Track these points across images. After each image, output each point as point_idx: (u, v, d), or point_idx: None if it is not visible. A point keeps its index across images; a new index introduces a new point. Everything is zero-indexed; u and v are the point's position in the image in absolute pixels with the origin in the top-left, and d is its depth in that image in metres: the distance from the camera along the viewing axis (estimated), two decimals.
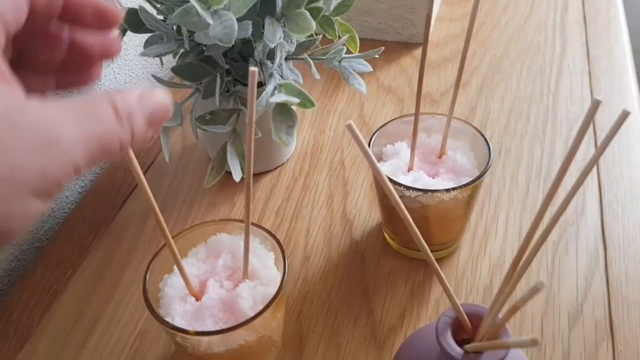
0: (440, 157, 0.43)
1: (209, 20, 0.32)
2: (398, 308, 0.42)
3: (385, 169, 0.42)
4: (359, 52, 0.47)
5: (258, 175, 0.53)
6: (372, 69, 0.46)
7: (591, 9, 0.72)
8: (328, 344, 0.40)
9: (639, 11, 1.11)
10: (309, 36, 0.43)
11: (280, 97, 0.38)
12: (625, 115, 0.25)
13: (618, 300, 0.41)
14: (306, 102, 0.39)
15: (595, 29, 0.68)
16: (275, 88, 0.39)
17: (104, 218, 0.51)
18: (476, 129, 0.42)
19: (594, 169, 0.51)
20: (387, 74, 0.64)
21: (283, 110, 0.38)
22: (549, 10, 0.72)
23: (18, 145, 0.17)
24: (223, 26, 0.33)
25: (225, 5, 0.35)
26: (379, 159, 0.44)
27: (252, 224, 0.37)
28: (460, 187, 0.39)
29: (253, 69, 0.24)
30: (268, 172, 0.54)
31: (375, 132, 0.43)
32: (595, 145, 0.53)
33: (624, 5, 0.73)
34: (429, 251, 0.29)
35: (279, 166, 0.54)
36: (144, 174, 0.52)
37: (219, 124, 0.42)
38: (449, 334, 0.29)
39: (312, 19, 0.38)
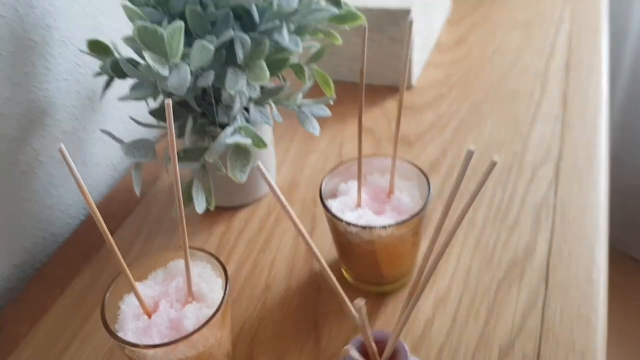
0: (388, 196, 0.47)
1: (164, 73, 0.37)
2: (343, 337, 0.45)
3: (334, 205, 0.45)
4: (333, 95, 0.52)
5: (236, 208, 0.58)
6: (330, 114, 0.51)
7: (575, 56, 0.74)
8: None
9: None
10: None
11: (234, 138, 0.42)
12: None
13: (549, 337, 0.43)
14: (259, 143, 0.43)
15: (576, 76, 0.71)
16: (235, 130, 0.44)
17: (95, 244, 0.56)
18: (420, 169, 0.46)
19: (551, 210, 0.53)
20: (370, 115, 0.69)
21: (239, 150, 0.43)
22: (534, 57, 0.75)
23: None
24: (178, 77, 0.38)
25: (186, 59, 0.40)
26: (333, 196, 0.47)
27: (204, 250, 0.41)
28: (395, 224, 0.42)
29: (167, 101, 0.29)
30: (246, 205, 0.58)
31: (328, 173, 0.47)
32: (555, 191, 0.56)
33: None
34: (317, 252, 0.33)
35: (255, 200, 0.59)
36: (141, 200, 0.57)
37: (191, 161, 0.47)
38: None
39: (266, 70, 0.43)
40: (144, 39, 0.36)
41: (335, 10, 0.45)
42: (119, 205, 0.60)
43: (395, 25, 0.68)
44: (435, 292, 0.48)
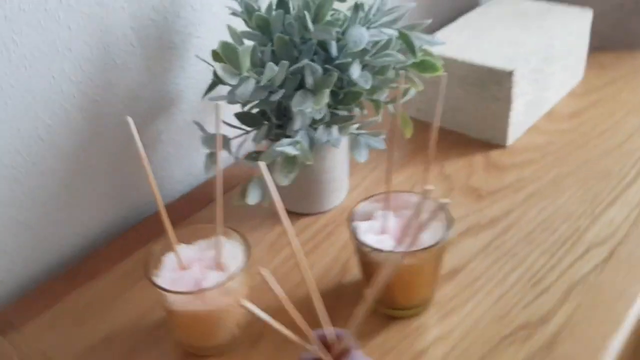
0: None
1: (232, 82, 0.47)
2: None
3: (362, 226, 0.51)
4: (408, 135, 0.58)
5: (300, 214, 0.65)
6: (384, 147, 0.56)
7: None
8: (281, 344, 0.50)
9: None
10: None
11: (283, 148, 0.50)
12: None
13: None
14: (304, 159, 0.51)
15: None
16: (291, 142, 0.52)
17: (183, 216, 0.67)
18: (450, 216, 0.50)
19: (586, 289, 0.53)
20: (454, 164, 0.72)
21: (288, 158, 0.51)
22: None
23: None
24: (244, 88, 0.47)
25: (257, 74, 0.49)
26: (368, 219, 0.53)
27: (239, 232, 0.50)
28: (396, 252, 0.47)
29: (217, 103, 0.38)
30: (312, 214, 0.65)
31: (368, 198, 0.53)
32: (599, 273, 0.55)
33: None
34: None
35: (321, 212, 0.66)
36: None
37: (255, 161, 0.56)
38: None
39: (326, 97, 0.50)
40: (225, 53, 0.46)
41: (400, 57, 0.51)
42: (207, 190, 0.71)
43: (497, 84, 0.71)
44: (440, 328, 0.51)
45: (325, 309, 0.40)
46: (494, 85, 0.72)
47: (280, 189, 0.64)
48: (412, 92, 0.62)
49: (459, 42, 0.77)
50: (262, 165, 0.37)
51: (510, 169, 0.71)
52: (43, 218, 0.60)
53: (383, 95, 0.61)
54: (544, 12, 0.84)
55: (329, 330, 0.39)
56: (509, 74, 0.70)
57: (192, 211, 0.68)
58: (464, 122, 0.77)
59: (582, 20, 0.82)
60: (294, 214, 0.66)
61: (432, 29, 1.00)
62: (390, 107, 0.62)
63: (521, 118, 0.76)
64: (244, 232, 0.51)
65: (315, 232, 0.64)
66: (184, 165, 0.73)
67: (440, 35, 0.81)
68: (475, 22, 0.84)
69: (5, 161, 0.56)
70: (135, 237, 0.64)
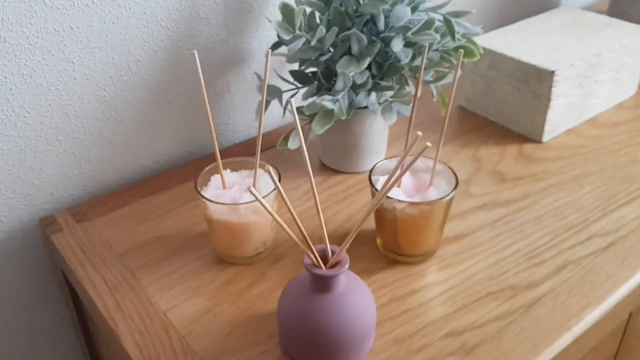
0: (427, 188, 0.59)
1: (286, 37, 0.56)
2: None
3: (381, 179, 0.59)
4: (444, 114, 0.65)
5: (338, 172, 0.74)
6: (408, 114, 0.64)
7: None
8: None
9: None
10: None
11: (322, 102, 0.59)
12: (415, 137, 0.40)
13: (491, 349, 0.51)
14: (339, 114, 0.59)
15: None
16: (332, 100, 0.60)
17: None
18: (455, 175, 0.57)
19: (578, 268, 0.59)
20: (488, 150, 0.78)
21: (326, 112, 0.59)
22: None
23: None
24: (294, 45, 0.56)
25: (310, 36, 0.58)
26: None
27: (275, 167, 0.59)
28: (405, 202, 0.54)
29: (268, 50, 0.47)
30: (348, 173, 0.74)
31: (391, 157, 0.60)
32: (595, 258, 0.60)
33: None
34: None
35: (355, 173, 0.74)
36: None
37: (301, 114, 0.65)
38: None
39: (366, 63, 0.58)
40: (283, 12, 0.55)
41: (438, 37, 0.58)
42: (263, 140, 0.81)
43: (539, 82, 0.77)
44: (436, 276, 0.58)
45: (339, 244, 0.48)
46: (536, 82, 0.77)
47: (324, 148, 0.73)
48: (450, 76, 0.68)
49: (514, 41, 0.83)
50: (292, 103, 0.45)
51: (539, 162, 0.76)
52: (125, 138, 0.72)
53: (427, 75, 0.68)
54: (602, 24, 0.88)
55: (328, 247, 0.48)
56: (551, 73, 0.75)
57: (246, 155, 0.77)
58: (508, 115, 0.83)
59: (637, 35, 0.85)
60: (333, 170, 0.74)
61: (498, 25, 1.05)
62: (433, 86, 0.69)
63: (560, 118, 0.80)
64: (285, 178, 0.60)
65: (348, 187, 0.72)
66: (246, 117, 0.83)
67: (500, 32, 0.86)
68: (535, 25, 0.89)
69: (101, 84, 0.67)
70: (195, 168, 0.74)
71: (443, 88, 0.69)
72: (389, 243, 0.60)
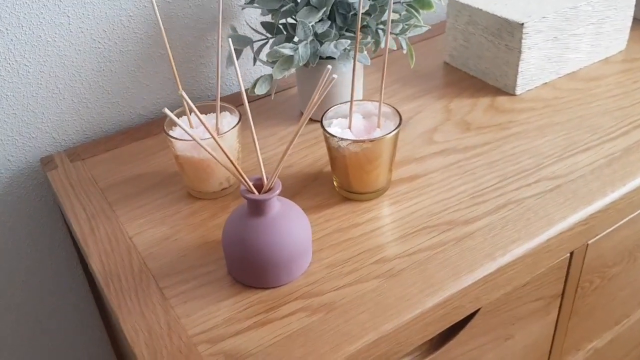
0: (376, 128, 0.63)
1: None
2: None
3: (334, 122, 0.64)
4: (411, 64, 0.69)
5: (315, 121, 0.79)
6: (369, 63, 0.68)
7: None
8: None
9: None
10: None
11: (281, 49, 0.64)
12: (327, 71, 0.45)
13: (414, 271, 0.56)
14: (299, 61, 0.64)
15: None
16: (291, 47, 0.65)
17: None
18: (399, 115, 0.61)
19: (518, 208, 0.62)
20: (461, 102, 0.82)
21: (286, 58, 0.65)
22: None
23: None
24: None
25: None
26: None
27: (234, 108, 0.65)
28: (350, 140, 0.59)
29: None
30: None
31: (344, 102, 0.65)
32: (538, 199, 0.64)
33: None
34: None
35: None
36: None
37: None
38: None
39: (321, 13, 0.63)
40: None
41: None
42: None
43: (510, 35, 0.79)
44: (380, 212, 0.63)
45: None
46: (507, 35, 0.79)
47: (302, 98, 0.78)
48: (418, 30, 0.72)
49: None
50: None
51: (508, 113, 0.79)
52: (120, 88, 0.80)
53: (396, 29, 0.72)
54: None
55: (264, 176, 0.53)
56: (520, 25, 0.77)
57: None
58: (484, 69, 0.86)
59: None
60: (310, 119, 0.79)
61: None
62: (401, 39, 0.73)
63: (535, 71, 0.82)
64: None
65: (320, 134, 0.77)
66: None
67: None
68: None
69: (95, 37, 0.75)
70: None
71: (412, 41, 0.73)
72: (342, 182, 0.66)
